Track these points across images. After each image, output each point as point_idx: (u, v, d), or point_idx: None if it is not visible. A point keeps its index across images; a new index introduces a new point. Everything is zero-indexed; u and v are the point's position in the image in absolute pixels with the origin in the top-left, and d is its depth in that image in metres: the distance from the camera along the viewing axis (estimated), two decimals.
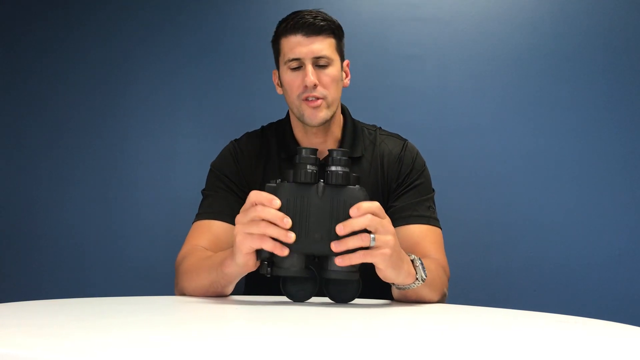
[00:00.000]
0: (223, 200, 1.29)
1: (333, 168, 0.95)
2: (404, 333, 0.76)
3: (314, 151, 0.95)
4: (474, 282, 1.91)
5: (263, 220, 0.91)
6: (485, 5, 1.98)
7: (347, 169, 0.95)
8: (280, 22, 1.33)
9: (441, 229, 1.32)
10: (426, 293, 1.08)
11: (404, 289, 1.03)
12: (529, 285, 1.90)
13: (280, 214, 0.91)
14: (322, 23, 1.27)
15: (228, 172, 1.33)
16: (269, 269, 0.95)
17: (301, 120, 1.31)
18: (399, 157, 1.36)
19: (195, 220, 1.30)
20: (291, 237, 0.91)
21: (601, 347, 0.69)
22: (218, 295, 1.09)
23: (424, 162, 1.39)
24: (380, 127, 1.45)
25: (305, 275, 0.96)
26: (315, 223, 0.93)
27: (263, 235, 0.92)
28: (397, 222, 1.26)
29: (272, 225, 0.91)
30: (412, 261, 1.03)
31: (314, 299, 1.03)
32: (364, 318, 0.87)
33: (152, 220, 2.01)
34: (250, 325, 0.79)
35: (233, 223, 1.03)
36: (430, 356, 0.58)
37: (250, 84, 2.02)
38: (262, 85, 2.02)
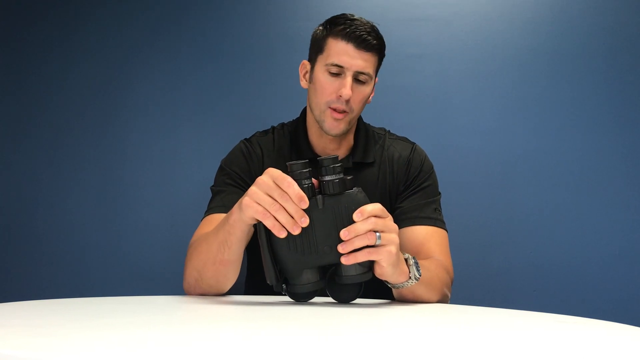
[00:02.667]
0: (234, 196, 1.25)
1: (327, 178, 0.94)
2: (404, 333, 0.76)
3: (305, 164, 0.94)
4: (474, 282, 1.91)
5: (280, 201, 0.91)
6: (485, 5, 1.98)
7: (341, 175, 0.95)
8: (333, 22, 1.28)
9: (447, 231, 1.32)
10: (423, 292, 1.08)
11: (397, 287, 1.03)
12: (529, 285, 1.90)
13: (302, 194, 0.91)
14: (374, 42, 1.26)
15: (238, 169, 1.32)
16: (283, 285, 0.95)
17: (320, 125, 1.30)
18: (408, 160, 1.37)
19: (205, 216, 1.28)
20: (305, 222, 0.91)
21: (601, 347, 0.69)
22: (226, 268, 1.06)
23: (432, 166, 1.40)
24: (389, 131, 1.45)
25: (319, 287, 0.96)
26: (321, 236, 0.93)
27: (267, 212, 0.91)
28: (403, 222, 1.27)
29: (284, 209, 0.91)
30: (406, 260, 1.03)
31: (314, 299, 1.03)
32: (364, 318, 0.87)
33: (152, 220, 2.01)
34: (250, 325, 0.79)
35: None
36: (430, 356, 0.58)
37: (252, 86, 2.02)
38: (264, 86, 2.02)
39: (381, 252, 0.94)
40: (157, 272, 1.98)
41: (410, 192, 1.34)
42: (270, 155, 1.35)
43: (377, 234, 0.93)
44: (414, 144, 1.42)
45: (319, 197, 0.94)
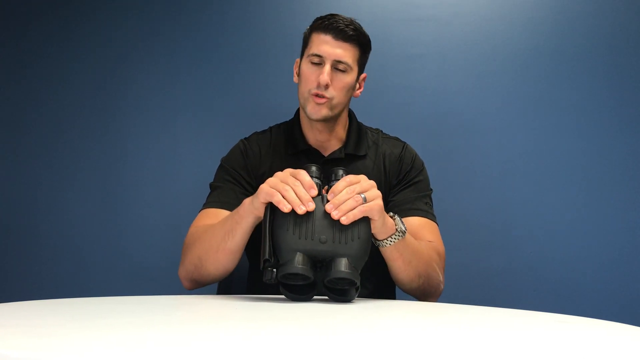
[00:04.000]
0: (230, 192, 1.35)
1: (333, 183, 1.05)
2: (403, 333, 0.76)
3: (319, 168, 1.07)
4: (474, 282, 1.91)
5: (291, 185, 1.00)
6: (485, 5, 1.98)
7: None
8: (317, 18, 1.40)
9: (437, 224, 1.38)
10: (411, 257, 1.16)
11: (385, 244, 1.11)
12: (529, 285, 1.90)
13: (312, 183, 1.02)
14: (351, 32, 1.35)
15: (236, 165, 1.40)
16: (274, 271, 0.98)
17: (304, 110, 1.39)
18: (400, 157, 1.44)
19: (202, 209, 1.35)
20: (311, 205, 0.99)
21: (601, 347, 0.69)
22: (228, 256, 1.13)
23: (423, 163, 1.47)
24: (382, 131, 1.52)
25: (308, 274, 0.98)
26: (320, 226, 0.99)
27: (277, 192, 1.00)
28: (395, 202, 1.37)
29: (293, 191, 1.00)
30: (392, 217, 1.12)
31: (314, 299, 1.04)
32: (363, 318, 0.87)
33: (152, 220, 2.01)
34: (250, 325, 0.79)
35: None
36: (430, 356, 0.58)
37: (251, 85, 2.02)
38: (263, 86, 2.02)
39: (372, 207, 1.02)
40: (157, 272, 1.98)
41: (402, 186, 1.41)
42: (267, 152, 1.43)
43: (362, 195, 1.02)
44: (405, 143, 1.50)
45: (325, 195, 1.03)
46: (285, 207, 0.98)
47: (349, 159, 1.42)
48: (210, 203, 1.34)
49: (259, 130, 1.50)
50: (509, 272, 1.91)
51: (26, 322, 0.74)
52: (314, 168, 1.07)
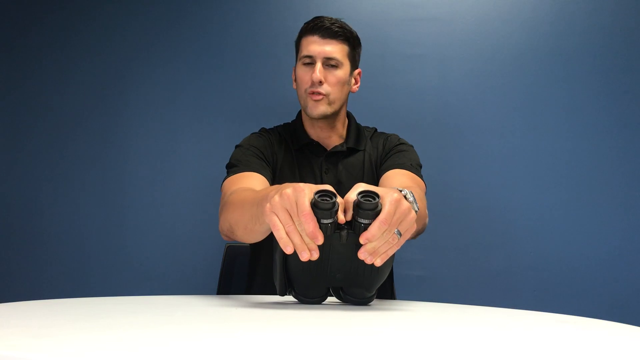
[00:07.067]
0: (256, 165, 1.36)
1: (362, 221, 0.89)
2: (403, 333, 0.75)
3: (334, 203, 0.89)
4: (474, 282, 1.91)
5: (299, 229, 0.89)
6: (485, 5, 1.98)
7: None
8: (304, 24, 1.46)
9: (425, 186, 1.39)
10: (417, 222, 1.09)
11: None
12: (529, 285, 1.90)
13: (317, 233, 0.88)
14: (337, 29, 1.41)
15: (256, 144, 1.44)
16: (289, 289, 1.00)
17: (305, 111, 1.45)
18: (385, 138, 1.52)
19: (228, 177, 1.31)
20: (315, 255, 0.89)
21: (601, 347, 0.69)
22: (255, 234, 1.08)
23: (411, 145, 1.51)
24: (376, 129, 1.58)
25: (324, 300, 1.01)
26: (335, 266, 0.95)
27: (281, 227, 0.89)
28: (382, 173, 1.40)
29: (298, 234, 0.89)
30: (405, 197, 0.98)
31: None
32: (364, 318, 0.87)
33: (152, 220, 2.01)
34: (251, 325, 0.79)
35: (270, 179, 1.23)
36: (430, 356, 0.58)
37: (250, 86, 2.02)
38: (263, 87, 2.02)
39: (405, 237, 0.92)
40: (157, 272, 1.98)
41: (389, 156, 1.45)
42: (279, 143, 1.49)
43: (396, 230, 0.90)
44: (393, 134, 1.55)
45: (344, 232, 0.91)
46: (287, 249, 0.89)
47: (348, 151, 1.48)
48: (237, 170, 1.31)
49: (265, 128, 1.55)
50: (509, 272, 1.91)
51: (26, 322, 0.74)
52: (328, 207, 0.88)
